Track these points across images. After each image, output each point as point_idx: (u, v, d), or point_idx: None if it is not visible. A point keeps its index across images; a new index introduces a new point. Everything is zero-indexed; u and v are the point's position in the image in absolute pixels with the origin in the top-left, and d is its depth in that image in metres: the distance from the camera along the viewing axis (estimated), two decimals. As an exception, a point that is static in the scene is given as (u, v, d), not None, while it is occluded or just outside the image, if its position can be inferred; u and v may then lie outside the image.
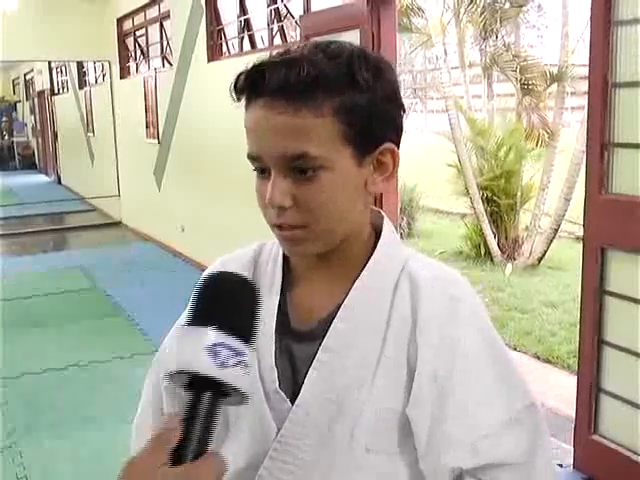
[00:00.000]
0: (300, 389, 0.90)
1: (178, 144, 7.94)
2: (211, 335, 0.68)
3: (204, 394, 0.68)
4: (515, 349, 5.04)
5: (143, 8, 8.80)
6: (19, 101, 21.25)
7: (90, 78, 12.57)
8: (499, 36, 9.77)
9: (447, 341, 0.87)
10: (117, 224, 10.66)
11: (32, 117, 19.27)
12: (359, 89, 0.83)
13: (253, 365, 0.71)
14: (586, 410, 3.10)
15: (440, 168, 9.22)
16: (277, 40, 6.04)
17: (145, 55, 9.38)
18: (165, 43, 8.47)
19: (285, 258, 0.98)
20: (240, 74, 0.85)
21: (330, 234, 0.89)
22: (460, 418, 0.85)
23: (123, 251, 8.86)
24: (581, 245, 3.17)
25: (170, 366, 0.70)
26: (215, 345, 0.67)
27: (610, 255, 2.96)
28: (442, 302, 0.89)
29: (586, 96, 3.07)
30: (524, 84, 8.43)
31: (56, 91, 15.48)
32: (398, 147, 0.90)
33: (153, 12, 8.59)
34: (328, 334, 0.90)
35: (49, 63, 14.83)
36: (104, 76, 11.23)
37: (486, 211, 7.80)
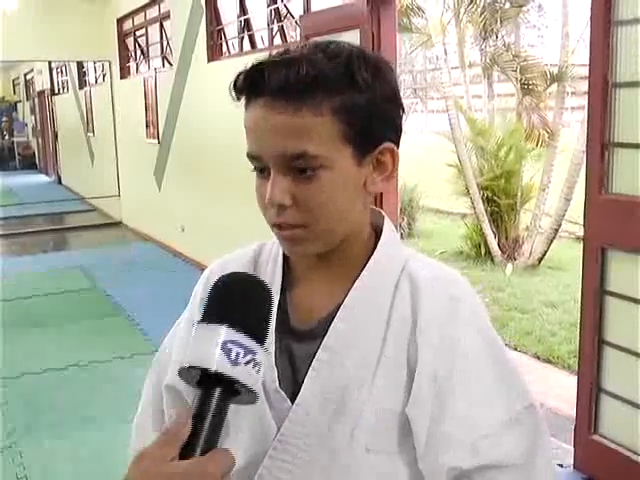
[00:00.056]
0: (300, 388, 0.90)
1: (178, 144, 7.95)
2: (224, 332, 0.69)
3: (214, 390, 0.68)
4: (515, 349, 5.04)
5: (143, 8, 8.80)
6: (19, 101, 21.26)
7: (90, 78, 12.57)
8: (499, 36, 9.77)
9: (447, 341, 0.87)
10: (117, 224, 10.67)
11: (32, 117, 19.29)
12: (358, 89, 0.83)
13: (265, 364, 0.72)
14: (586, 410, 3.10)
15: (440, 168, 9.22)
16: (277, 40, 6.04)
17: (145, 55, 9.38)
18: (165, 43, 8.47)
19: (285, 258, 0.98)
20: (240, 74, 0.86)
21: (330, 234, 0.89)
22: (460, 418, 0.85)
23: (123, 251, 8.86)
24: (581, 245, 3.17)
25: (182, 361, 0.70)
26: (228, 342, 0.68)
27: (610, 255, 2.96)
28: (442, 302, 0.89)
29: (586, 96, 3.07)
30: (524, 84, 8.43)
31: (56, 91, 15.49)
32: (398, 147, 0.90)
33: (153, 12, 8.59)
34: (328, 334, 0.90)
35: (49, 63, 14.83)
36: (104, 76, 11.24)
37: (486, 211, 7.80)
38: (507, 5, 9.35)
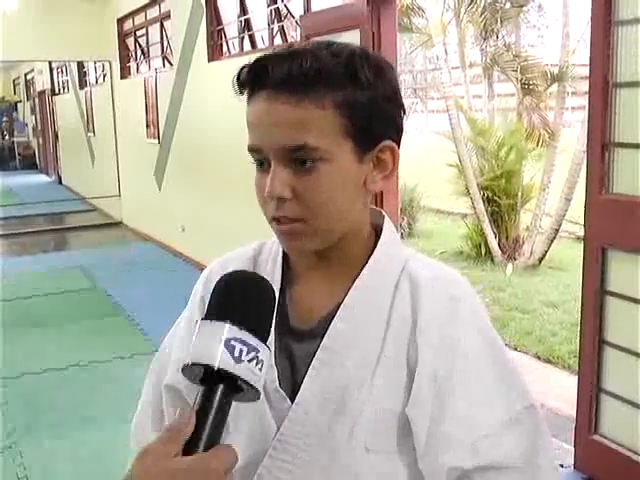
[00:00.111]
0: (299, 388, 0.90)
1: (178, 144, 7.95)
2: (227, 330, 0.69)
3: (217, 388, 0.69)
4: (516, 349, 5.04)
5: (143, 8, 8.80)
6: (20, 101, 21.27)
7: (91, 78, 12.57)
8: (500, 36, 9.77)
9: (447, 341, 0.86)
10: (117, 224, 10.67)
11: (33, 117, 19.29)
12: (360, 86, 0.84)
13: (267, 362, 0.72)
14: (587, 410, 3.09)
15: (441, 168, 9.21)
16: (277, 40, 6.04)
17: (145, 55, 9.38)
18: (165, 43, 8.47)
19: (285, 257, 0.98)
20: (243, 67, 0.86)
21: (328, 230, 0.88)
22: (460, 418, 0.85)
23: (123, 251, 8.86)
24: (582, 245, 3.17)
25: (185, 359, 0.70)
26: (231, 340, 0.69)
27: (611, 255, 2.96)
28: (442, 302, 0.89)
29: (587, 96, 3.07)
30: (525, 84, 8.42)
31: (57, 91, 15.49)
32: (399, 146, 0.90)
33: (153, 12, 8.59)
34: (328, 333, 0.90)
35: (50, 63, 14.83)
36: (104, 76, 11.24)
37: (487, 211, 7.79)
38: (507, 5, 9.35)
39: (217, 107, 6.32)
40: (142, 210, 9.76)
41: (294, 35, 5.80)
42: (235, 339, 0.69)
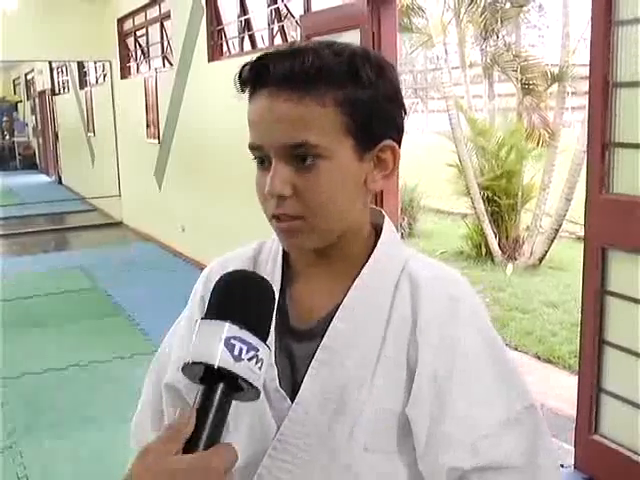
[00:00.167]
0: (299, 388, 0.90)
1: (178, 144, 7.95)
2: (227, 329, 0.69)
3: (217, 386, 0.69)
4: (516, 349, 5.03)
5: (143, 8, 8.80)
6: (20, 101, 21.27)
7: (91, 78, 12.57)
8: (500, 36, 9.76)
9: (447, 341, 0.86)
10: (118, 224, 10.67)
11: (33, 117, 19.30)
12: (361, 85, 0.84)
13: (267, 361, 0.72)
14: (587, 410, 3.09)
15: (441, 168, 9.21)
16: (278, 40, 6.04)
17: (146, 55, 9.38)
18: (166, 43, 8.47)
19: (285, 256, 0.98)
20: (245, 65, 0.86)
21: (327, 228, 0.88)
22: (460, 418, 0.84)
23: (123, 251, 8.86)
24: (582, 245, 3.17)
25: (186, 357, 0.71)
26: (231, 339, 0.69)
27: (611, 255, 2.96)
28: (442, 302, 0.89)
29: (587, 96, 3.07)
30: (525, 84, 8.42)
31: (57, 91, 15.49)
32: (399, 146, 0.90)
33: (153, 12, 8.59)
34: (327, 333, 0.90)
35: (50, 63, 14.83)
36: (105, 76, 11.24)
37: (487, 211, 7.79)
38: (508, 5, 9.34)
39: (217, 107, 6.33)
40: (142, 210, 9.76)
41: (294, 35, 5.80)
42: (235, 338, 0.69)
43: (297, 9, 5.54)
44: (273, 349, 0.92)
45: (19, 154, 20.17)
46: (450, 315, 0.88)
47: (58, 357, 4.90)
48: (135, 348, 4.98)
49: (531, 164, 8.14)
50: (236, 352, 0.69)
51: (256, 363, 0.70)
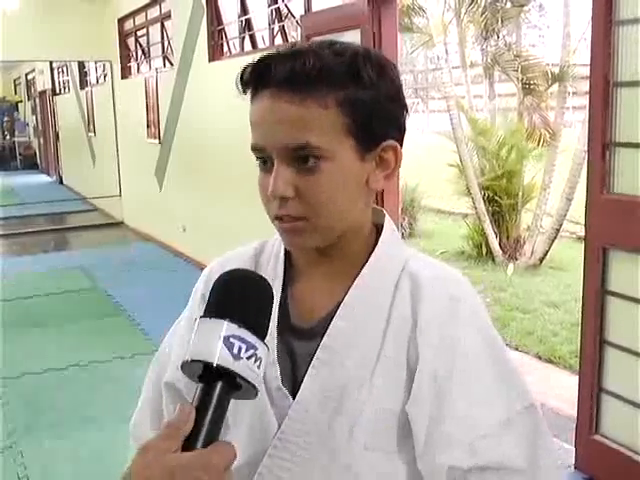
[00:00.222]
0: (300, 386, 0.90)
1: (179, 144, 7.95)
2: (226, 327, 0.70)
3: (216, 384, 0.69)
4: (517, 349, 5.03)
5: (144, 8, 8.80)
6: (21, 101, 21.28)
7: (91, 78, 12.58)
8: (500, 36, 9.75)
9: (447, 341, 0.86)
10: (118, 224, 10.67)
11: (34, 117, 19.31)
12: (363, 85, 0.84)
13: (265, 360, 0.72)
14: (587, 410, 3.09)
15: (441, 168, 9.20)
16: (278, 40, 6.04)
17: (146, 55, 9.38)
18: (166, 43, 8.48)
19: (287, 256, 0.98)
20: (246, 66, 0.86)
21: (329, 228, 0.89)
22: (459, 418, 0.84)
23: (124, 251, 8.87)
24: (583, 245, 3.16)
25: (185, 355, 0.71)
26: (230, 337, 0.69)
27: (612, 255, 2.96)
28: (442, 302, 0.89)
29: (587, 96, 3.06)
30: (525, 84, 8.41)
31: (58, 91, 15.50)
32: (401, 146, 0.91)
33: (154, 12, 8.60)
34: (328, 332, 0.90)
35: (50, 63, 14.84)
36: (105, 76, 11.24)
37: (488, 211, 7.79)
38: (508, 5, 9.33)
39: (218, 107, 6.33)
40: (143, 210, 9.76)
41: (295, 35, 5.80)
42: (234, 336, 0.69)
43: (298, 9, 5.54)
44: (275, 347, 0.92)
45: (20, 154, 20.18)
46: (450, 315, 0.88)
47: (58, 357, 4.90)
48: (135, 348, 4.98)
49: (532, 164, 8.13)
50: (235, 350, 0.69)
51: (255, 362, 0.70)
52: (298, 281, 0.97)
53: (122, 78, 10.01)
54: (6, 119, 21.00)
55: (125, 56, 9.95)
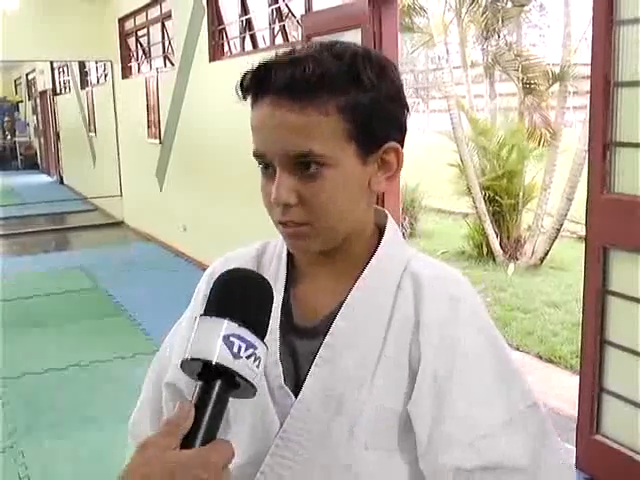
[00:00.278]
0: (302, 385, 0.90)
1: (180, 144, 7.95)
2: (226, 326, 0.70)
3: (215, 383, 0.70)
4: (517, 349, 5.03)
5: (144, 8, 8.80)
6: (21, 101, 21.29)
7: (92, 78, 12.58)
8: (501, 35, 9.75)
9: (447, 341, 0.87)
10: (119, 224, 10.67)
11: (34, 117, 19.32)
12: (363, 88, 0.84)
13: (264, 359, 0.72)
14: (588, 410, 3.09)
15: (442, 168, 9.20)
16: (279, 40, 6.03)
17: (147, 55, 9.38)
18: (167, 43, 8.48)
19: (289, 256, 0.99)
20: (246, 73, 0.86)
21: (332, 232, 0.89)
22: (460, 418, 0.85)
23: (125, 251, 8.87)
24: (583, 245, 3.16)
25: (185, 353, 0.71)
26: (230, 336, 0.70)
27: (612, 255, 2.96)
28: (443, 302, 0.89)
29: (588, 95, 3.06)
30: (526, 84, 8.41)
31: (58, 91, 15.50)
32: (402, 146, 0.91)
33: (155, 12, 8.60)
34: (330, 332, 0.90)
35: (51, 63, 14.84)
36: (106, 76, 11.24)
37: (488, 211, 7.79)
38: (509, 4, 9.33)
39: (218, 107, 6.32)
40: (143, 210, 9.76)
41: (295, 35, 5.79)
42: (234, 335, 0.70)
43: (298, 9, 5.53)
44: (277, 347, 0.92)
45: (20, 154, 20.19)
46: (450, 315, 0.88)
47: (58, 357, 4.90)
48: (136, 348, 4.98)
49: (532, 164, 8.13)
50: (234, 349, 0.69)
51: (254, 361, 0.70)
52: (301, 282, 0.97)
53: (123, 78, 10.01)
54: (7, 119, 21.01)
55: (126, 56, 9.96)
